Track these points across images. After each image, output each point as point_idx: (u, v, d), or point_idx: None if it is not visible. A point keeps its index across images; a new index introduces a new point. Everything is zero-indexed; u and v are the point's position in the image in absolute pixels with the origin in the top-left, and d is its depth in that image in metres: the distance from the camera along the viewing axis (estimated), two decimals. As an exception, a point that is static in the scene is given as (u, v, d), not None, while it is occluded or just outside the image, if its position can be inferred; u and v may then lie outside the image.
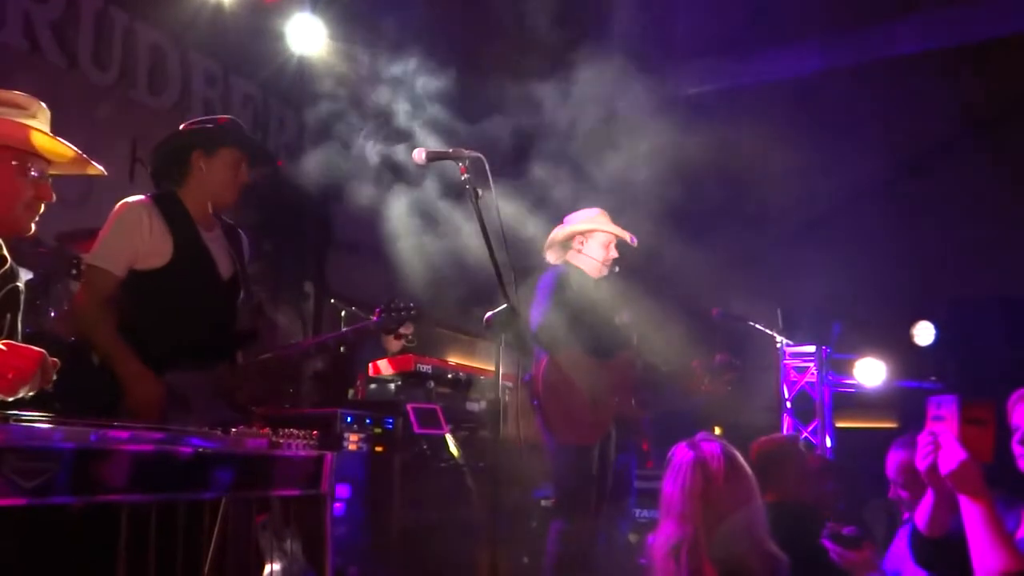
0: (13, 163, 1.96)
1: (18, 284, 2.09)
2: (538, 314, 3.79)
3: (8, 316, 2.01)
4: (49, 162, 2.04)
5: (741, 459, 2.47)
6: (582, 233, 3.97)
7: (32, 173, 1.98)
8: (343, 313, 5.90)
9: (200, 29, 5.76)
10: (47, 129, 2.02)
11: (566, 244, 4.00)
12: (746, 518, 2.38)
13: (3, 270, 2.01)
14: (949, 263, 8.81)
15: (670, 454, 2.54)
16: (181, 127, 2.92)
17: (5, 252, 2.01)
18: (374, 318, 3.17)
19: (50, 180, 2.06)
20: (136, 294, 2.73)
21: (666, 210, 4.60)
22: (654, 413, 5.50)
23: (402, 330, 6.20)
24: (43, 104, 2.08)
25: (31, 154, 1.98)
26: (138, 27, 5.48)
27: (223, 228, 2.96)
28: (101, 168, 2.17)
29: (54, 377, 1.69)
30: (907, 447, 2.93)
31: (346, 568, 4.39)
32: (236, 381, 2.83)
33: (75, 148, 2.07)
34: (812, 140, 9.85)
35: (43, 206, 2.05)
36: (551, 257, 4.04)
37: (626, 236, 4.01)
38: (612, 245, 3.99)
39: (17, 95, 2.03)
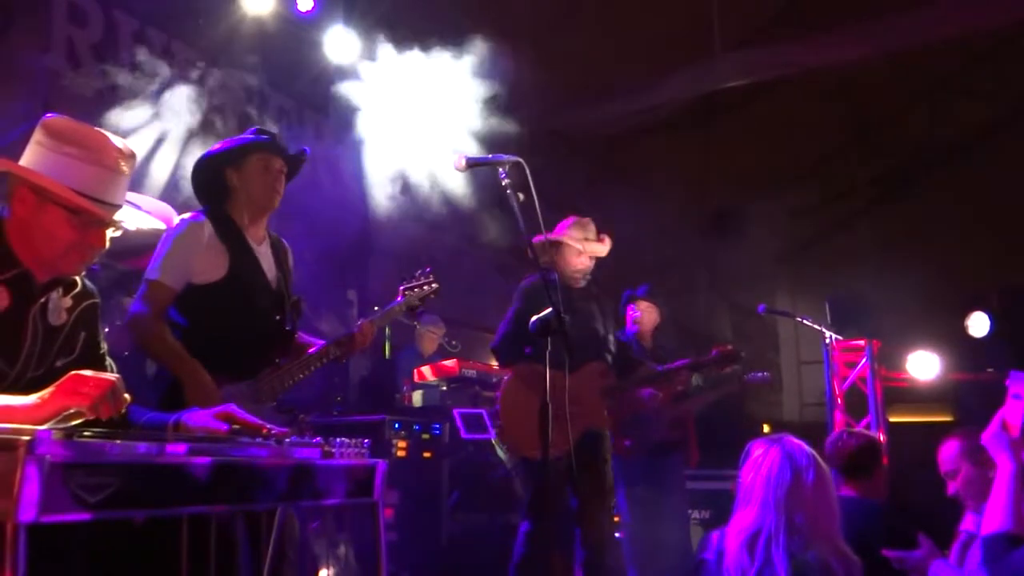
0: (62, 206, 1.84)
1: (95, 300, 2.09)
2: (501, 326, 3.84)
3: (83, 334, 2.03)
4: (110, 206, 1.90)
5: (822, 460, 2.44)
6: (555, 243, 4.04)
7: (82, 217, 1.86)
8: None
9: (234, 45, 5.84)
10: (122, 173, 1.91)
11: (544, 253, 4.10)
12: (827, 518, 2.35)
13: (76, 291, 2.03)
14: (1001, 251, 8.58)
15: (748, 448, 2.49)
16: (206, 153, 2.99)
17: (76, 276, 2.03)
18: (398, 298, 3.23)
19: (109, 227, 1.92)
20: (191, 307, 2.81)
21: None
22: (698, 411, 5.43)
23: (435, 329, 6.22)
24: (123, 146, 1.94)
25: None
26: (175, 46, 5.59)
27: (271, 241, 3.04)
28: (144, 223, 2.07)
29: (125, 406, 1.69)
30: (959, 437, 2.84)
31: (398, 573, 4.41)
32: (280, 384, 2.89)
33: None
34: (854, 129, 9.70)
35: (95, 251, 1.93)
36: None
37: (599, 250, 4.04)
38: (584, 256, 4.04)
39: (93, 136, 1.90)
